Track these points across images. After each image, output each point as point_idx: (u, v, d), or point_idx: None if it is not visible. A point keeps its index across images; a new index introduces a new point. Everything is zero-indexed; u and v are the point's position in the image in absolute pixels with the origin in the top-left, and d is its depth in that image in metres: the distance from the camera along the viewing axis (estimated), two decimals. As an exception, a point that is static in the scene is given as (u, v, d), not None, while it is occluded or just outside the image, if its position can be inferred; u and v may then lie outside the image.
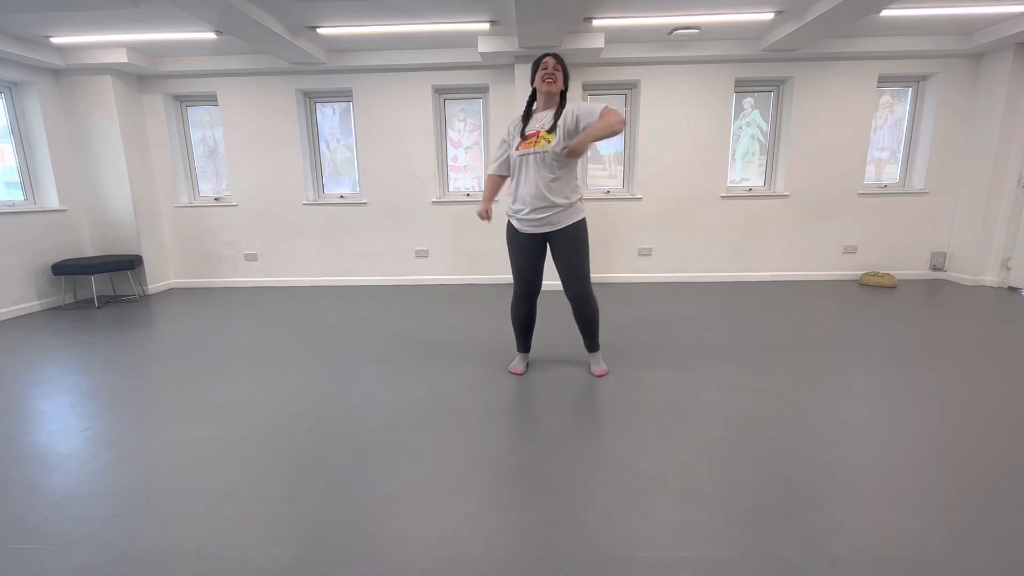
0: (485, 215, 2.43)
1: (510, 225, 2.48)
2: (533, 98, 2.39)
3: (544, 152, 2.25)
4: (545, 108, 2.34)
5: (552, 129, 2.25)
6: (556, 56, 2.30)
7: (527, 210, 2.34)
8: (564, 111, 2.28)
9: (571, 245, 2.37)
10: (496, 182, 2.52)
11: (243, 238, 5.29)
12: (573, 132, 2.24)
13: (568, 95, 2.37)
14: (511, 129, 2.42)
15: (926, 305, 4.04)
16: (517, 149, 2.32)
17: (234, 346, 3.28)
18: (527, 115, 2.39)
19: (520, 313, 2.60)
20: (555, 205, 2.31)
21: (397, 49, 4.58)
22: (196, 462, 1.87)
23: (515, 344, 2.75)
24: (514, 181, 2.39)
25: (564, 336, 3.26)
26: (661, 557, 1.35)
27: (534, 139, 2.28)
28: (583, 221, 2.39)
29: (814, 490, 1.63)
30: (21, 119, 4.47)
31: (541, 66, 2.29)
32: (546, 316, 3.79)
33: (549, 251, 2.46)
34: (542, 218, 2.33)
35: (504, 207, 2.58)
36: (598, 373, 2.63)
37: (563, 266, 2.41)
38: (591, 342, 2.62)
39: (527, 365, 2.76)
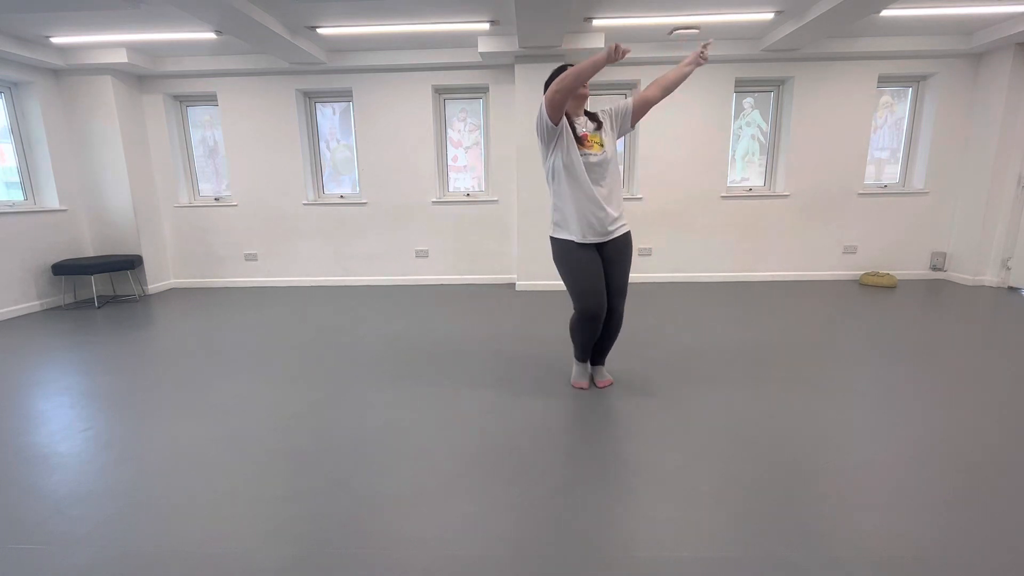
0: (618, 49, 1.97)
1: (564, 241, 2.30)
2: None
3: (600, 155, 2.20)
4: (576, 114, 2.25)
5: (597, 130, 2.25)
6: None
7: (593, 210, 2.21)
8: (604, 112, 2.28)
9: (624, 255, 2.32)
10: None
11: (243, 238, 5.29)
12: (617, 120, 2.29)
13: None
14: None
15: (926, 305, 4.04)
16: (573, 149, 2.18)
17: (234, 346, 3.28)
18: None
19: (589, 332, 2.35)
20: (610, 215, 2.24)
21: (397, 49, 4.58)
22: (196, 462, 1.87)
23: (573, 352, 2.57)
24: (564, 193, 2.25)
25: (564, 338, 3.26)
26: (661, 557, 1.35)
27: (587, 142, 2.22)
28: (630, 233, 2.36)
29: (814, 490, 1.63)
30: (21, 119, 4.47)
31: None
32: (548, 316, 3.79)
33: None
34: (602, 217, 2.23)
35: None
36: (604, 384, 2.55)
37: (614, 280, 2.32)
38: (604, 355, 2.56)
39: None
